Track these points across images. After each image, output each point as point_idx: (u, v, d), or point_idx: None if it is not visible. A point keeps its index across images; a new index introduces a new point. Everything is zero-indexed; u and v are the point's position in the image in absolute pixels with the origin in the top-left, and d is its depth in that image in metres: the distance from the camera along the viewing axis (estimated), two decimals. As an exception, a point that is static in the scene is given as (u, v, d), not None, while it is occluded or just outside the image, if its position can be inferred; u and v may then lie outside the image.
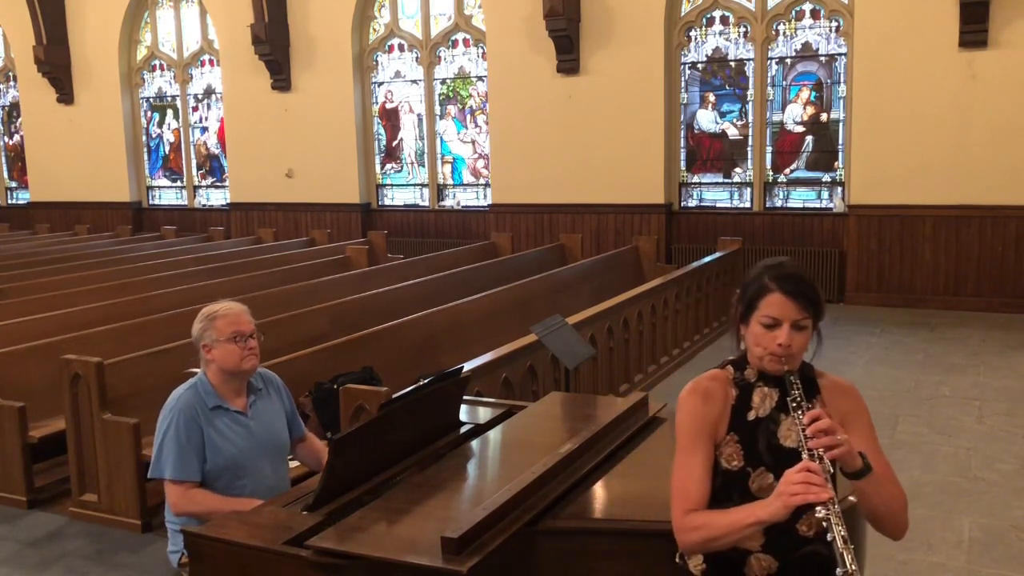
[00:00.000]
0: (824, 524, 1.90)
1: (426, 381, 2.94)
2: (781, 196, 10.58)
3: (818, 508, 1.91)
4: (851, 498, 2.17)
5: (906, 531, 2.18)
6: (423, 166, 12.66)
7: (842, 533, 1.87)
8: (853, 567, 1.85)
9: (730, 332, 2.28)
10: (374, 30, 12.64)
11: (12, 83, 15.98)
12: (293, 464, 3.86)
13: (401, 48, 12.55)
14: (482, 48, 11.89)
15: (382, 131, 12.85)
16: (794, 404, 2.07)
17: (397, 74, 12.63)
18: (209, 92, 14.09)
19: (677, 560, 2.28)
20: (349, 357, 5.24)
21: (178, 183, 14.65)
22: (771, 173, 10.57)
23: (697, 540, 2.11)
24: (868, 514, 2.13)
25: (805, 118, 10.35)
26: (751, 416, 2.18)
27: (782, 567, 2.14)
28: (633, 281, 8.52)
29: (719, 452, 2.18)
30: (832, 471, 1.98)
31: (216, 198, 14.34)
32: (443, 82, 12.40)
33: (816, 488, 1.90)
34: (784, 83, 10.37)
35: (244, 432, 3.16)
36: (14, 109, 16.11)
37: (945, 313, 9.29)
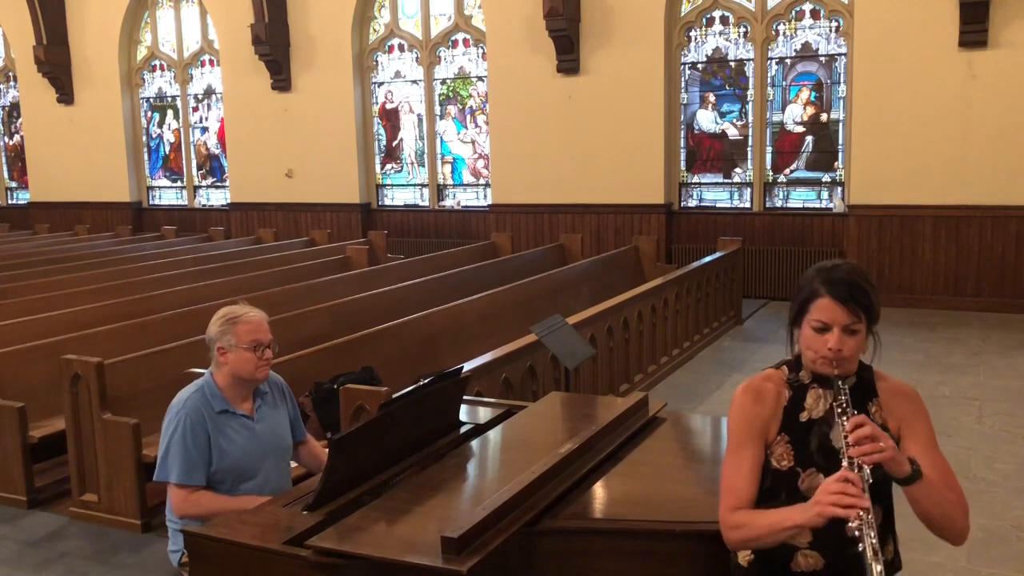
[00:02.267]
0: (856, 534, 1.90)
1: (426, 381, 2.94)
2: (781, 196, 10.58)
3: (851, 518, 1.91)
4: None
5: (965, 537, 2.15)
6: (423, 166, 12.66)
7: (873, 544, 1.88)
8: None
9: (785, 333, 2.27)
10: (374, 30, 12.64)
11: (12, 83, 15.98)
12: (293, 465, 3.85)
13: (401, 48, 12.55)
14: (482, 48, 11.89)
15: (382, 131, 12.85)
16: (839, 410, 2.06)
17: (397, 74, 12.63)
18: (209, 92, 14.09)
19: (731, 554, 2.30)
20: (349, 357, 5.24)
21: (178, 183, 14.65)
22: (771, 173, 10.57)
23: (738, 538, 2.15)
24: (922, 518, 2.11)
25: (805, 118, 10.35)
26: (803, 417, 2.19)
27: (828, 565, 2.15)
28: (633, 281, 8.53)
29: (770, 452, 2.19)
30: (871, 480, 1.97)
31: (216, 198, 14.34)
32: (443, 82, 12.40)
33: (851, 499, 1.90)
34: (784, 83, 10.37)
35: (250, 436, 3.16)
36: (14, 109, 16.12)
37: (945, 313, 9.29)
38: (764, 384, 2.24)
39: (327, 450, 3.62)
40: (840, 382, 2.09)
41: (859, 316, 2.10)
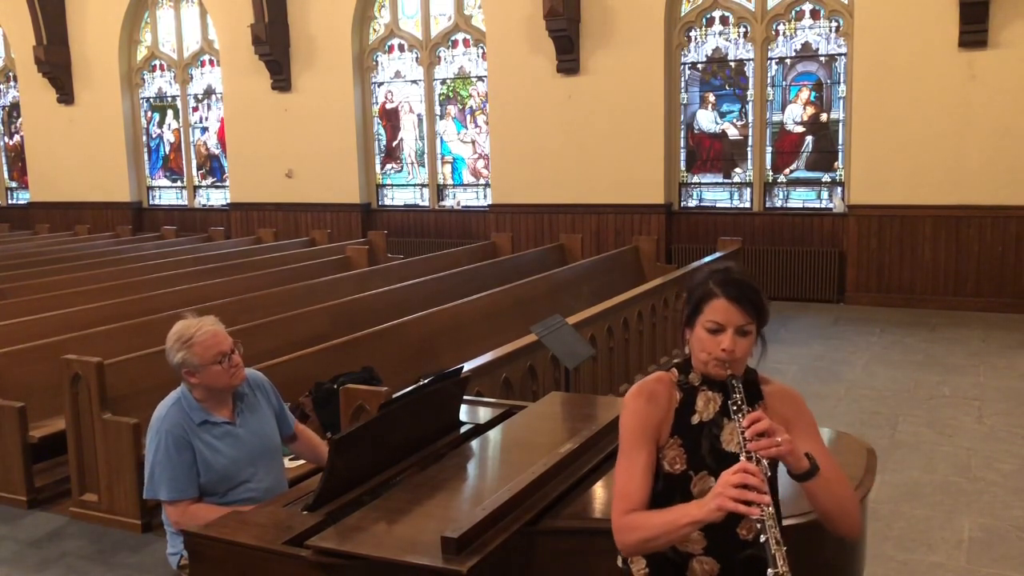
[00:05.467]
0: (758, 525, 1.90)
1: (426, 381, 2.94)
2: (781, 196, 10.58)
3: (754, 515, 1.91)
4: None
5: (860, 528, 2.20)
6: (423, 166, 12.66)
7: (776, 535, 1.88)
8: (785, 569, 1.86)
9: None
10: (374, 30, 12.64)
11: (12, 83, 15.98)
12: (293, 464, 3.85)
13: (401, 48, 12.55)
14: (482, 48, 11.89)
15: (382, 131, 12.85)
16: (734, 408, 2.07)
17: (397, 74, 12.63)
18: (209, 92, 14.09)
19: (620, 564, 2.27)
20: (349, 357, 5.24)
21: (178, 183, 14.65)
22: (771, 173, 10.57)
23: (634, 540, 2.10)
24: (820, 513, 2.13)
25: (805, 118, 10.35)
26: (695, 420, 2.18)
27: (723, 570, 2.15)
28: (633, 281, 8.52)
29: (662, 455, 2.18)
30: (770, 474, 1.99)
31: (216, 198, 14.34)
32: (443, 82, 12.40)
33: (752, 493, 1.90)
34: (784, 83, 10.37)
35: (234, 442, 3.12)
36: (14, 109, 16.11)
37: (945, 313, 9.29)
38: (656, 386, 2.22)
39: (320, 438, 3.63)
40: (734, 380, 2.10)
41: (752, 317, 2.12)
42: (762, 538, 1.89)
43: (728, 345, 2.10)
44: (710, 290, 2.13)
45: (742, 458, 1.97)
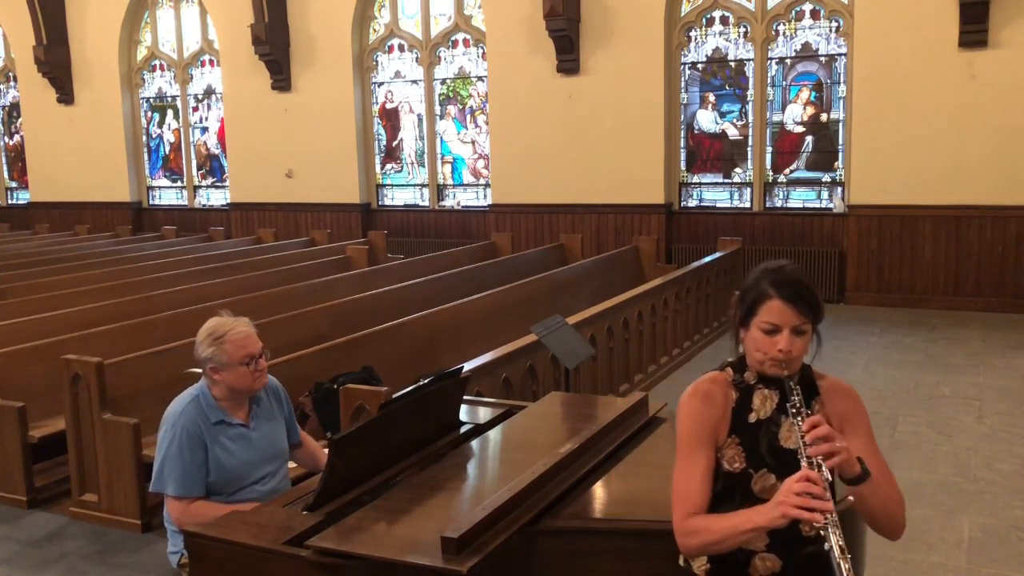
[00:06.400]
0: (822, 533, 1.89)
1: (426, 381, 2.94)
2: (781, 196, 10.58)
3: (817, 521, 1.91)
4: (849, 498, 2.16)
5: (903, 531, 2.18)
6: (423, 166, 12.66)
7: (840, 543, 1.86)
8: None
9: (730, 334, 2.28)
10: (374, 30, 12.64)
11: (12, 83, 15.98)
12: (292, 465, 3.85)
13: (401, 48, 12.55)
14: (482, 48, 11.89)
15: (382, 131, 12.85)
16: (793, 410, 2.07)
17: (397, 74, 12.63)
18: (209, 92, 14.09)
19: (681, 563, 2.27)
20: (349, 357, 5.24)
21: (178, 183, 14.65)
22: (771, 173, 10.57)
23: (697, 544, 2.11)
24: (866, 516, 2.13)
25: (805, 118, 10.35)
26: (752, 418, 2.17)
27: (786, 567, 2.14)
28: (633, 281, 8.52)
29: (721, 455, 2.17)
30: (831, 479, 1.98)
31: (216, 198, 14.34)
32: (443, 82, 12.40)
33: (815, 501, 1.90)
34: (784, 83, 10.37)
35: (246, 444, 3.13)
36: (14, 109, 16.12)
37: (945, 313, 9.29)
38: (711, 386, 2.22)
39: (325, 449, 3.64)
40: (791, 383, 2.10)
41: (807, 317, 2.11)
42: (826, 546, 1.88)
43: (784, 346, 2.09)
44: (765, 291, 2.12)
45: (803, 464, 1.96)
